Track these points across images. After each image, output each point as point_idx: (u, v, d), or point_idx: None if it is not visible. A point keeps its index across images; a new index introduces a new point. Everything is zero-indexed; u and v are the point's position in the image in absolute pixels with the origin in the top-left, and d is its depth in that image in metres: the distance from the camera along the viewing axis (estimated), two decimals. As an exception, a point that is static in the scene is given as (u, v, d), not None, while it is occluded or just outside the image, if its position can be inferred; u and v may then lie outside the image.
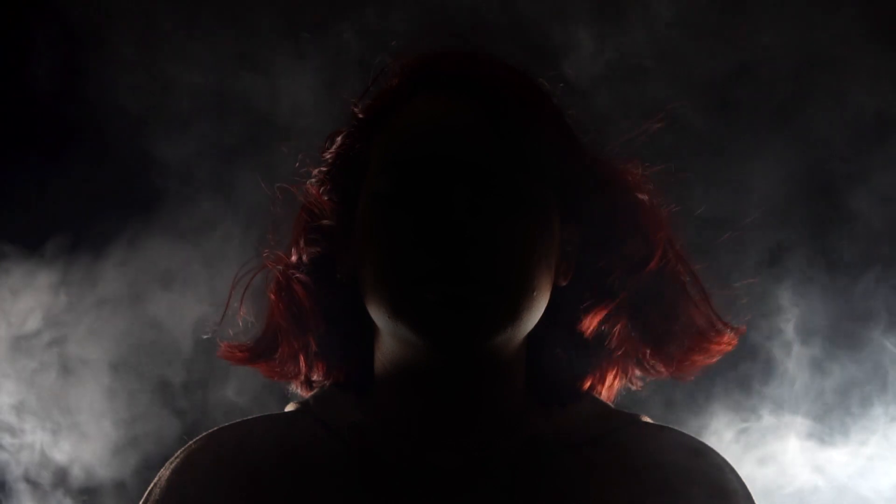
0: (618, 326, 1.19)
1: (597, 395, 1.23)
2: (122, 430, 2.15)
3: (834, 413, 2.03)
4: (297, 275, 1.20)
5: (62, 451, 2.14)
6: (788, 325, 2.02)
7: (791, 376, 2.03)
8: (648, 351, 1.21)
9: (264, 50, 2.05)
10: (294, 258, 1.21)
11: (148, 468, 2.11)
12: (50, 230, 2.13)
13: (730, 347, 1.22)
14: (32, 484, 2.14)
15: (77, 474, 2.15)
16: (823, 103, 2.02)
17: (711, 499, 1.15)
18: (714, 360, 1.23)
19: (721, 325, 1.21)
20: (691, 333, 1.20)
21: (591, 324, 1.20)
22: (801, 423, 2.02)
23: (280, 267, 1.21)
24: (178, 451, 1.19)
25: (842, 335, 2.04)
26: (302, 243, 1.21)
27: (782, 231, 2.05)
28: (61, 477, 2.15)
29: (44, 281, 2.11)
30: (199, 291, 2.07)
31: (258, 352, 1.23)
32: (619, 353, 1.21)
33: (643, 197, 1.21)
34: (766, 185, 2.02)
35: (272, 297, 1.21)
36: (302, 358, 1.21)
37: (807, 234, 2.06)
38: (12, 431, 2.13)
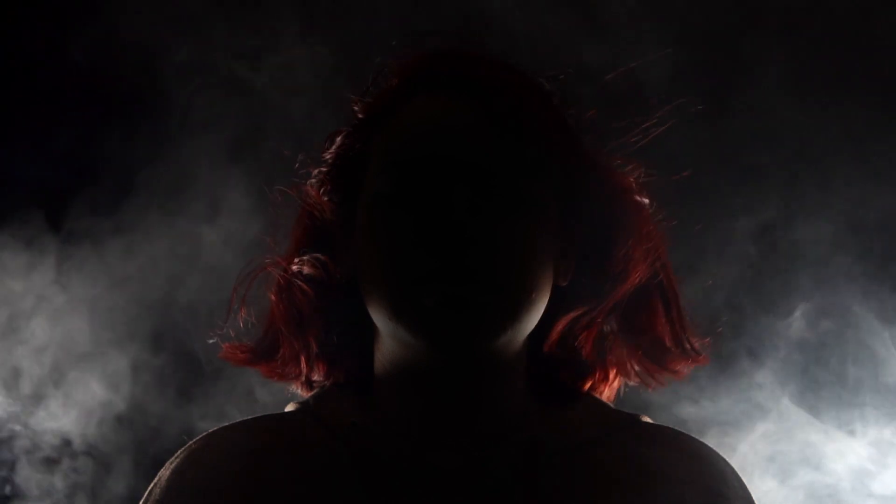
0: (602, 332, 1.21)
1: (597, 395, 1.24)
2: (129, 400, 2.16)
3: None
4: (298, 276, 1.20)
5: (64, 424, 2.15)
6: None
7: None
8: (630, 360, 1.22)
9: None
10: (294, 259, 1.21)
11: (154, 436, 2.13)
12: (46, 198, 2.13)
13: (692, 366, 1.23)
14: (38, 459, 2.16)
15: (82, 445, 2.16)
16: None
17: (711, 500, 1.15)
18: (679, 377, 1.23)
19: (689, 349, 1.22)
20: (659, 351, 1.21)
21: (583, 327, 1.20)
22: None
23: (280, 268, 1.21)
24: (179, 451, 1.19)
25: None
26: (302, 244, 1.21)
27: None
28: (66, 450, 2.16)
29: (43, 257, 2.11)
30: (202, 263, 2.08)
31: (260, 353, 1.23)
32: (608, 357, 1.22)
33: (640, 202, 1.20)
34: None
35: (273, 298, 1.21)
36: (303, 359, 1.21)
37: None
38: (16, 411, 2.14)
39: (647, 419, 1.22)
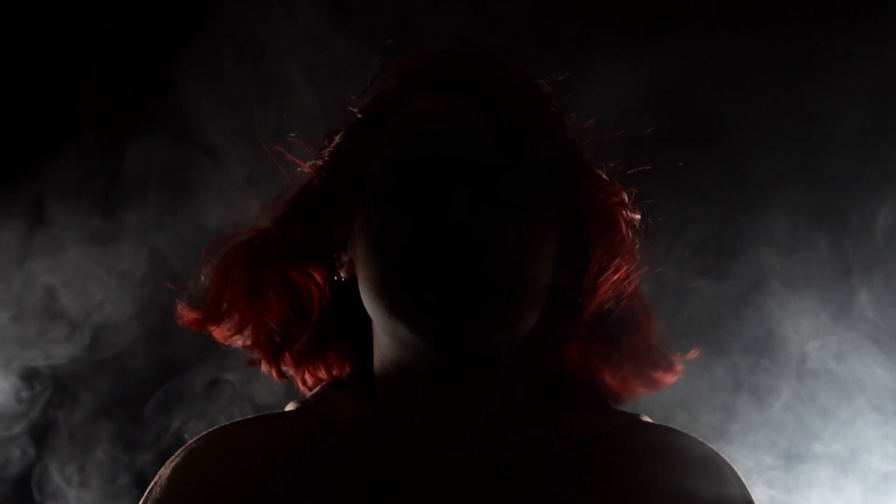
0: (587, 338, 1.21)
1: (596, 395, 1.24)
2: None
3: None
4: (300, 276, 1.21)
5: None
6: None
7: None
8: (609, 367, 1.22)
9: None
10: (289, 249, 1.21)
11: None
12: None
13: (673, 380, 1.23)
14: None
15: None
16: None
17: (711, 500, 1.15)
18: (657, 390, 1.24)
19: (666, 359, 1.23)
20: (639, 359, 1.22)
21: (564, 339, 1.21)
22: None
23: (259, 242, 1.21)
24: (179, 450, 1.19)
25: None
26: (302, 242, 1.21)
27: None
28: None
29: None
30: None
31: (211, 317, 1.22)
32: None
33: (624, 222, 1.20)
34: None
35: (238, 265, 1.20)
36: (301, 356, 1.22)
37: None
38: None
39: (647, 419, 1.22)
